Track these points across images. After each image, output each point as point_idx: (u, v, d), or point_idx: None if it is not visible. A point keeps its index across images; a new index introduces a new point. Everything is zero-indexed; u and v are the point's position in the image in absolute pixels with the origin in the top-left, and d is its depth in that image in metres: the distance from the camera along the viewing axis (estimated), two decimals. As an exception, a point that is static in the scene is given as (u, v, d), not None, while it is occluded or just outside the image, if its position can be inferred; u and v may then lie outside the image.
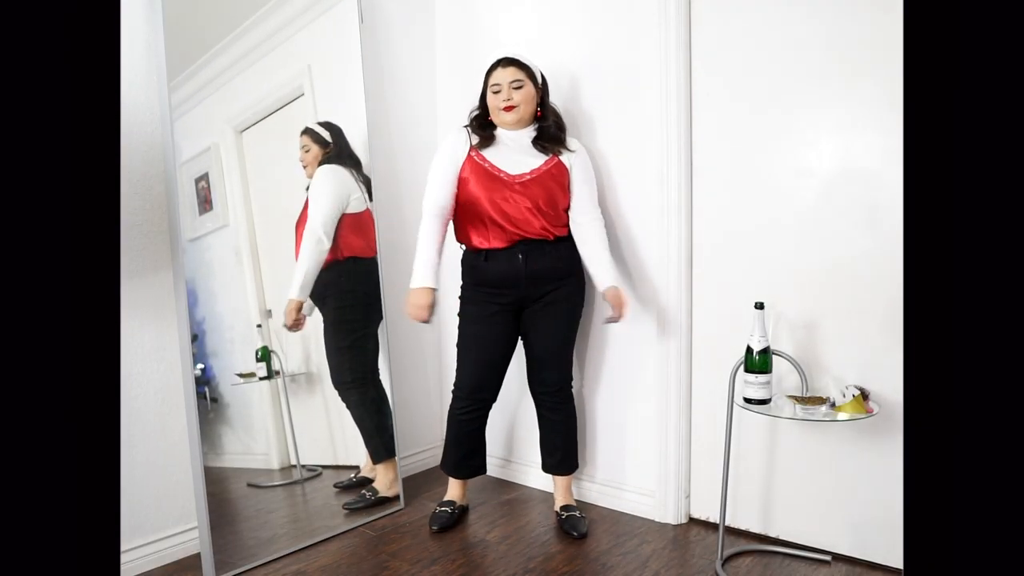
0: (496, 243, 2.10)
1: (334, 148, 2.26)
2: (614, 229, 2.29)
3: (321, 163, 2.24)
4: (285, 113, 2.19)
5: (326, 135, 2.25)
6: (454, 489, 2.34)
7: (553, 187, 2.10)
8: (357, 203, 2.31)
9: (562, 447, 2.26)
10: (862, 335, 1.90)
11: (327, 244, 2.22)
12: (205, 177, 2.03)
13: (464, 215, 2.15)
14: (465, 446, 2.27)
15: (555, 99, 2.28)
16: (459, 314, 2.22)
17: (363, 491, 2.32)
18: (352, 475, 2.34)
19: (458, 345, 2.21)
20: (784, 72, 1.98)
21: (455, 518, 2.29)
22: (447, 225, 2.16)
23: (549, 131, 2.15)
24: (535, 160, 2.12)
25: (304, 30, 2.24)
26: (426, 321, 2.09)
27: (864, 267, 1.88)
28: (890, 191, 1.83)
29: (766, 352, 1.86)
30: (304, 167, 2.22)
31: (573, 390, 2.28)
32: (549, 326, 2.17)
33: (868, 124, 1.86)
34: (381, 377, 2.39)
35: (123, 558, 1.92)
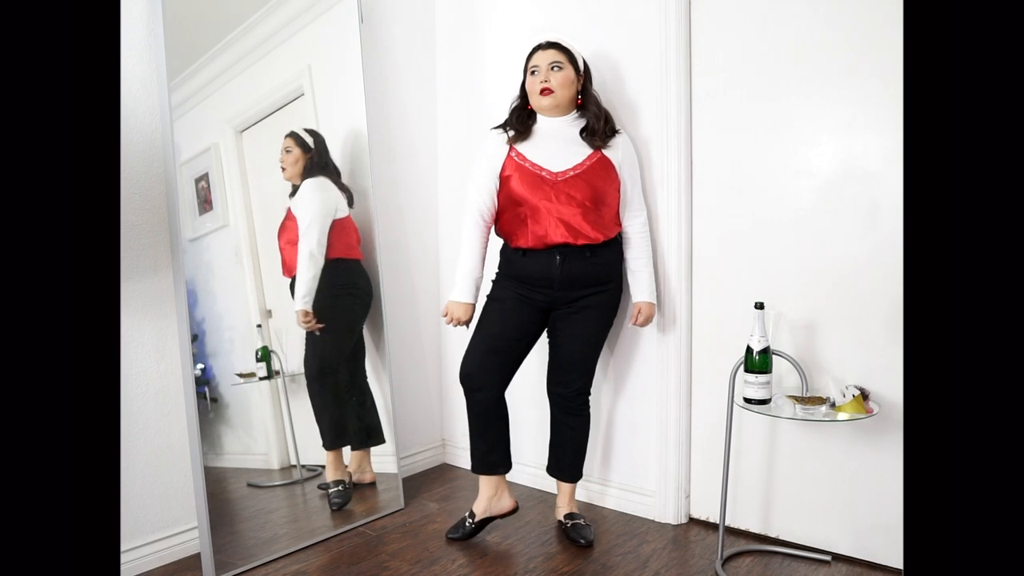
0: (535, 243, 2.02)
1: (315, 155, 2.24)
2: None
3: (305, 174, 2.22)
4: (285, 113, 2.19)
5: (309, 141, 2.23)
6: (480, 494, 2.18)
7: (599, 184, 2.01)
8: (341, 212, 2.30)
9: (571, 455, 2.19)
10: (862, 335, 1.90)
11: (320, 259, 2.22)
12: (205, 177, 2.03)
13: (507, 212, 2.06)
14: (478, 437, 2.12)
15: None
16: (488, 296, 2.14)
17: (331, 489, 2.28)
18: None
19: (475, 328, 2.12)
20: (784, 72, 1.98)
21: (468, 532, 2.16)
22: (489, 230, 2.11)
23: (593, 122, 2.06)
24: (577, 154, 2.03)
25: (304, 30, 2.24)
26: (462, 325, 2.11)
27: (864, 267, 1.88)
28: (890, 191, 1.83)
29: (766, 352, 1.86)
30: (283, 168, 2.19)
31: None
32: (577, 329, 2.08)
33: (868, 124, 1.86)
34: (371, 377, 2.39)
35: (123, 558, 1.92)
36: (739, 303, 2.09)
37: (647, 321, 2.13)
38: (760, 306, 1.87)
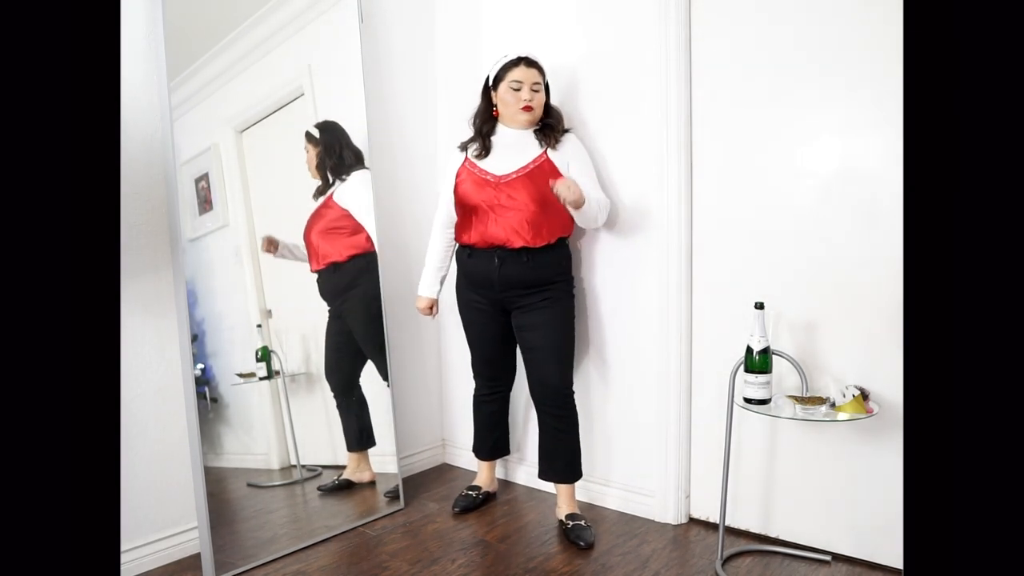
0: (477, 240, 2.15)
1: (326, 146, 2.27)
2: (613, 228, 2.29)
3: (323, 166, 2.26)
4: (285, 113, 2.19)
5: (315, 133, 2.26)
6: (480, 473, 2.49)
7: (544, 184, 2.08)
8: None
9: (563, 456, 2.21)
10: (862, 335, 1.90)
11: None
12: (205, 177, 2.03)
13: (460, 214, 2.21)
14: (483, 426, 2.43)
15: (555, 99, 2.28)
16: (458, 306, 2.33)
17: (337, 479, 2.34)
18: (335, 478, 2.32)
19: (467, 343, 2.36)
20: (784, 72, 1.97)
21: (477, 502, 2.40)
22: (451, 236, 2.29)
23: (551, 126, 2.16)
24: (524, 158, 2.12)
25: (304, 30, 2.24)
26: (427, 315, 2.38)
27: (864, 267, 1.88)
28: (890, 191, 1.83)
29: (766, 352, 1.86)
30: (308, 170, 2.25)
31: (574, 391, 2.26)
32: (536, 320, 2.15)
33: (868, 124, 1.86)
34: (371, 377, 2.41)
35: (123, 558, 1.92)
36: (739, 303, 2.09)
37: (564, 188, 1.93)
38: (760, 306, 1.87)
